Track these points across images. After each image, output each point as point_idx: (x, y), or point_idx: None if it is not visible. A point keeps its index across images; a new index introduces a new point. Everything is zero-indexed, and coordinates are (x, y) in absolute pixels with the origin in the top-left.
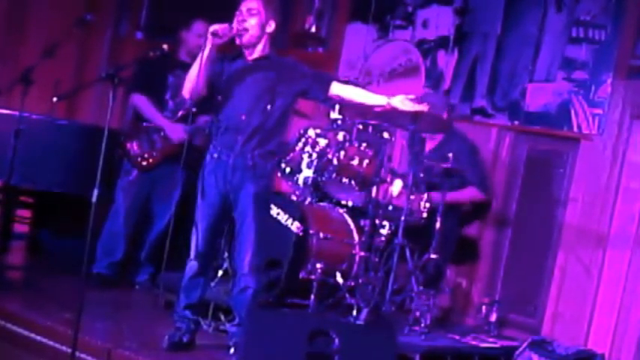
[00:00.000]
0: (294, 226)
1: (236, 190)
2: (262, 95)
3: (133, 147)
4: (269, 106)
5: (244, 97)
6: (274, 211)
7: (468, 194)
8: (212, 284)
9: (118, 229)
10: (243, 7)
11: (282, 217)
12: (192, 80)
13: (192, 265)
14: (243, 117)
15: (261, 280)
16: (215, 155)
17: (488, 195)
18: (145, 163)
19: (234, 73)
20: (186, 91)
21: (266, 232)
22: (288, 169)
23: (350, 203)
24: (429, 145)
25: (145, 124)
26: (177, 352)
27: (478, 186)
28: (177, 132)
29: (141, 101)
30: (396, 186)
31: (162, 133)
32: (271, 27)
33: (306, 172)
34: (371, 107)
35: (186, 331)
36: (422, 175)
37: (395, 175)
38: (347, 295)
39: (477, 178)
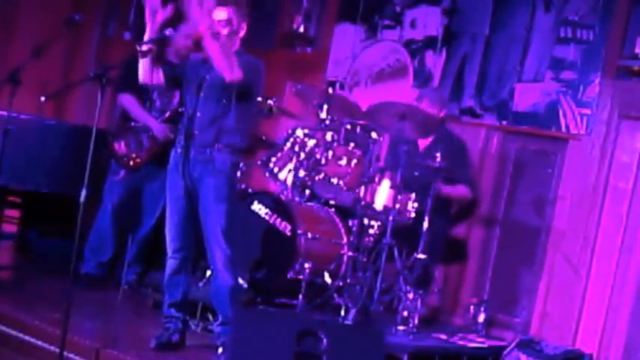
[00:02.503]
0: (283, 225)
1: (196, 183)
2: (221, 91)
3: (121, 147)
4: (224, 101)
5: (204, 93)
6: (262, 210)
7: (459, 192)
8: (200, 284)
9: (105, 229)
10: (215, 17)
11: (270, 217)
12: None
13: (170, 263)
14: (199, 113)
15: (237, 275)
16: (178, 150)
17: (476, 195)
18: (132, 163)
19: (195, 68)
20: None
21: (237, 226)
22: (276, 169)
23: (338, 203)
24: (422, 144)
25: (132, 124)
26: (165, 352)
27: (468, 185)
28: (164, 132)
29: (128, 101)
30: (384, 186)
31: (149, 133)
32: (243, 31)
33: (295, 172)
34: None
35: (174, 330)
36: (416, 174)
37: (383, 174)
38: (335, 295)
39: (467, 178)
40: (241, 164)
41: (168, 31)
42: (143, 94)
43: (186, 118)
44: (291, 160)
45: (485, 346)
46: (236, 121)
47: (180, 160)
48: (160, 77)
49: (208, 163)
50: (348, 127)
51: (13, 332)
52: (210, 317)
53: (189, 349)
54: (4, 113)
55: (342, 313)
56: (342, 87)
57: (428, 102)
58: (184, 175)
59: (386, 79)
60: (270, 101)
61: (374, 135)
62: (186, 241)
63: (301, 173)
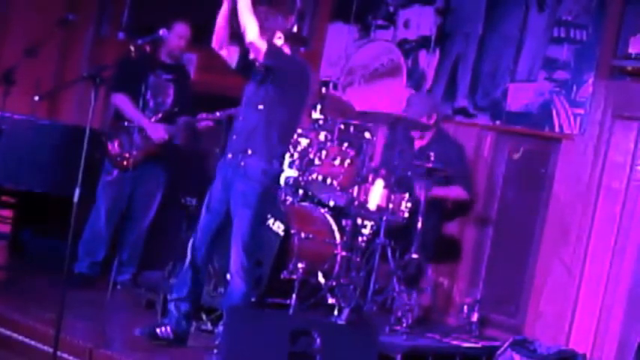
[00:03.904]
0: (276, 225)
1: (228, 188)
2: (258, 99)
3: (114, 146)
4: (261, 107)
5: (247, 98)
6: None
7: (455, 192)
8: None
9: (99, 229)
10: (269, 31)
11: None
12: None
13: (187, 259)
14: (240, 117)
15: (250, 284)
16: (228, 156)
17: (472, 196)
18: (125, 162)
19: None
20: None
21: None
22: None
23: (332, 203)
24: (418, 144)
25: (125, 123)
26: (157, 350)
27: (464, 186)
28: (158, 132)
29: (122, 101)
30: (378, 186)
31: (143, 133)
32: (281, 39)
33: (288, 172)
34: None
35: (163, 324)
36: (409, 173)
37: (377, 174)
38: (329, 295)
39: (463, 179)
40: (279, 170)
41: (161, 32)
42: (137, 94)
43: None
44: (284, 159)
45: (478, 346)
46: (270, 128)
47: (223, 165)
48: (233, 53)
49: (239, 168)
50: (342, 126)
51: (7, 332)
52: (204, 317)
53: (181, 349)
54: None
55: (336, 312)
56: (335, 87)
57: (416, 108)
58: (223, 179)
59: (379, 79)
60: None
61: (367, 135)
62: (209, 245)
63: (295, 173)
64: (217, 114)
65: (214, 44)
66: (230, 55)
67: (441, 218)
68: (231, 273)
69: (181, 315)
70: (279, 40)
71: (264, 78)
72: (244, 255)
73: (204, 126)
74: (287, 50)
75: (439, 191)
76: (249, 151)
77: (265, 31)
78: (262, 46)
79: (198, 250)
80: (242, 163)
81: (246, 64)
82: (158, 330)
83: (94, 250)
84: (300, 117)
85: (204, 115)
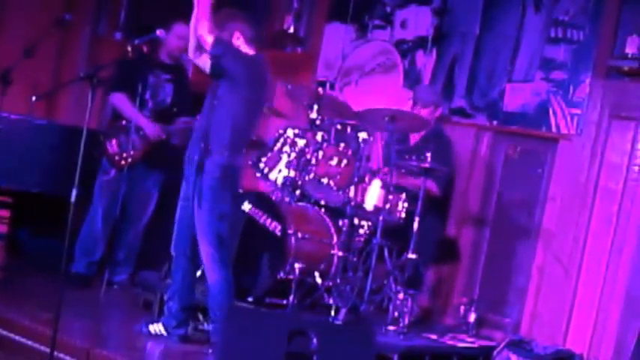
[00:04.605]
0: (273, 225)
1: (190, 184)
2: (213, 96)
3: (112, 146)
4: (215, 101)
5: (206, 98)
6: (253, 210)
7: (427, 185)
8: None
9: (96, 229)
10: (228, 30)
11: (261, 217)
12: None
13: None
14: (200, 115)
15: (223, 273)
16: (187, 152)
17: (445, 192)
18: (123, 162)
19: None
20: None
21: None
22: (266, 169)
23: (329, 203)
24: (413, 138)
25: (123, 123)
26: (154, 350)
27: (438, 182)
28: (155, 130)
29: (121, 100)
30: (374, 186)
31: (141, 133)
32: (239, 39)
33: (285, 172)
34: None
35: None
36: (403, 171)
37: (374, 174)
38: (325, 295)
39: (440, 175)
40: (235, 163)
41: (158, 32)
42: (135, 93)
43: None
44: (281, 160)
45: (475, 346)
46: (223, 120)
47: (186, 161)
48: (206, 59)
49: (195, 163)
50: (339, 127)
51: (4, 332)
52: (201, 317)
53: (179, 349)
54: None
55: (333, 313)
56: (332, 87)
57: (426, 98)
58: (186, 175)
59: (376, 79)
60: None
61: (364, 135)
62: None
63: (291, 173)
64: None
65: (190, 54)
66: (204, 61)
67: (439, 218)
68: (205, 267)
69: (177, 312)
70: (237, 41)
71: (218, 75)
72: (211, 248)
73: None
74: (248, 50)
75: (413, 180)
76: (204, 146)
77: (224, 30)
78: (209, 38)
79: (179, 243)
80: (196, 158)
81: (217, 72)
82: (152, 327)
83: (91, 249)
84: (256, 112)
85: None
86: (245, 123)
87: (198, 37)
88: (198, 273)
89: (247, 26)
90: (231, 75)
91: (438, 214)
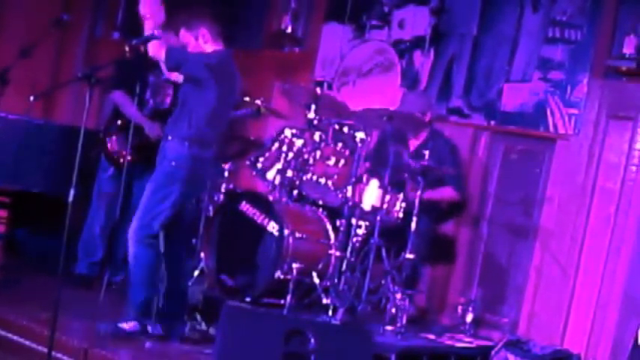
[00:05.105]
0: (270, 225)
1: None
2: (180, 91)
3: (112, 144)
4: (182, 98)
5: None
6: (250, 210)
7: (445, 194)
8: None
9: (97, 229)
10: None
11: (258, 217)
12: None
13: None
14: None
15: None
16: None
17: (464, 196)
18: (122, 160)
19: None
20: None
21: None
22: (264, 169)
23: (326, 203)
24: (413, 144)
25: (123, 121)
26: (152, 350)
27: (455, 186)
28: (156, 130)
29: (121, 98)
30: (372, 186)
31: (140, 131)
32: (204, 37)
33: (283, 172)
34: None
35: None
36: (405, 175)
37: (371, 174)
38: (323, 295)
39: (455, 179)
40: (200, 156)
41: (156, 31)
42: (133, 93)
43: None
44: (279, 160)
45: (473, 346)
46: (188, 116)
47: None
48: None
49: (160, 151)
50: (336, 127)
51: (2, 332)
52: (198, 317)
53: (176, 349)
54: None
55: (330, 313)
56: (330, 87)
57: (410, 106)
58: None
59: (374, 79)
60: (258, 101)
61: (362, 135)
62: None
63: (289, 173)
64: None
65: (167, 74)
66: (177, 77)
67: (436, 219)
68: (128, 235)
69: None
70: (202, 38)
71: (190, 80)
72: (137, 223)
73: None
74: (214, 47)
75: (430, 194)
76: (170, 137)
77: (190, 30)
78: (161, 55)
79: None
80: (162, 146)
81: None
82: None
83: (92, 250)
84: (224, 108)
85: None
86: (210, 119)
87: (152, 57)
88: (196, 272)
89: (213, 23)
90: (193, 78)
91: (436, 214)
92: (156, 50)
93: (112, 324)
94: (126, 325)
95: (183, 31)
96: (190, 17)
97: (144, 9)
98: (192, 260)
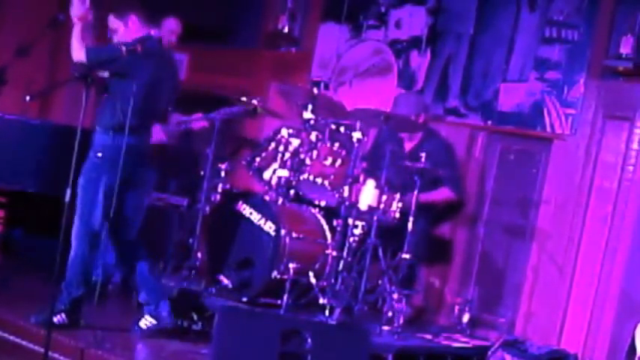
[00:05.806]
0: (267, 225)
1: None
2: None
3: None
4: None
5: None
6: (247, 210)
7: (442, 195)
8: (184, 284)
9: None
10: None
11: (255, 217)
12: None
13: None
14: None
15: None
16: None
17: (461, 196)
18: None
19: None
20: None
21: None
22: (260, 169)
23: (323, 203)
24: (408, 146)
25: None
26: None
27: (452, 187)
28: (156, 134)
29: None
30: (369, 186)
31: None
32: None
33: (279, 172)
34: None
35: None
36: (399, 177)
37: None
38: (320, 295)
39: (451, 179)
40: (118, 143)
41: (152, 31)
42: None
43: None
44: (275, 159)
45: (469, 346)
46: (112, 108)
47: None
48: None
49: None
50: (333, 127)
51: None
52: (195, 317)
53: (173, 349)
54: None
55: (327, 313)
56: (326, 87)
57: (404, 109)
58: None
59: (371, 79)
60: (254, 101)
61: (358, 135)
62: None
63: (285, 173)
64: (211, 114)
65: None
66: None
67: (433, 219)
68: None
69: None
70: (132, 26)
71: (117, 74)
72: (77, 221)
73: (200, 126)
74: (144, 32)
75: (427, 196)
76: (98, 128)
77: (122, 19)
78: (81, 56)
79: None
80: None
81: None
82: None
83: None
84: (154, 96)
85: (199, 115)
86: (138, 107)
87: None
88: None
89: (142, 9)
90: (115, 70)
91: (433, 214)
92: (77, 54)
93: (43, 315)
94: (55, 319)
95: (112, 18)
96: (119, 3)
97: (74, 11)
98: (189, 260)
